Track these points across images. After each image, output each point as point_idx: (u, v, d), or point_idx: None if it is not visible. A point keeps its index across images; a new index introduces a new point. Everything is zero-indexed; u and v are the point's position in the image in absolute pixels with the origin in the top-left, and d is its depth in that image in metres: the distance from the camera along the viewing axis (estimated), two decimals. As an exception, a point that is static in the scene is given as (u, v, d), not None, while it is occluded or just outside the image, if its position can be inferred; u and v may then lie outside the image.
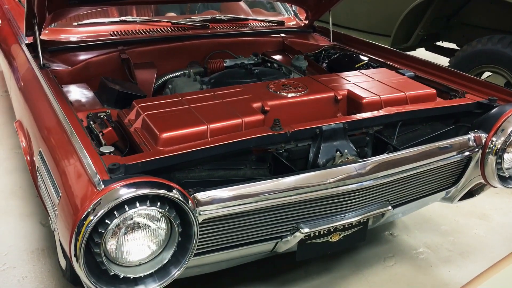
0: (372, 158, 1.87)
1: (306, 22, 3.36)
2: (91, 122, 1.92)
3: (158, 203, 1.46)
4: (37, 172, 1.89)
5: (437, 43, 4.80)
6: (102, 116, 1.98)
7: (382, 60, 2.81)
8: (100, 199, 1.39)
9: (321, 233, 1.89)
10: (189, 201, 1.51)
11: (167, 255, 1.57)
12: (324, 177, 1.76)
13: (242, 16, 3.23)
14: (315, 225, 1.84)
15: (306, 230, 1.82)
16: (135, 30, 2.81)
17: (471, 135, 2.09)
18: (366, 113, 2.07)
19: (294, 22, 3.41)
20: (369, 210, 1.94)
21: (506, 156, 2.11)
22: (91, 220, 1.37)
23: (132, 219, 1.48)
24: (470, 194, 2.39)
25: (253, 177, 1.82)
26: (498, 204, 3.16)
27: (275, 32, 3.21)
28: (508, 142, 2.07)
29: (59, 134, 1.75)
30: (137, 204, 1.43)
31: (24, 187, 3.17)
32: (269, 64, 2.83)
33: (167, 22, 2.94)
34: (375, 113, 2.05)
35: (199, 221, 1.56)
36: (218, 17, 3.08)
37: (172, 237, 1.56)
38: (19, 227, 2.76)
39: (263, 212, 1.72)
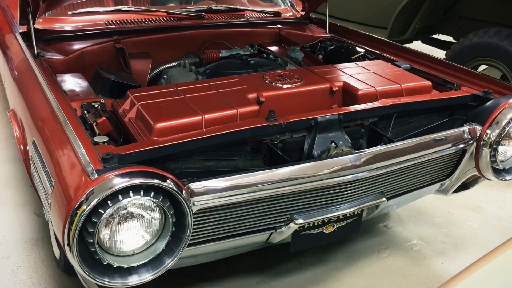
0: (367, 149, 1.87)
1: (303, 13, 3.34)
2: (85, 112, 1.91)
3: (152, 193, 1.46)
4: (31, 162, 1.88)
5: (434, 36, 4.79)
6: (96, 105, 1.97)
7: (378, 52, 2.81)
8: (93, 189, 1.38)
9: (315, 224, 1.90)
10: (183, 191, 1.51)
11: (161, 245, 1.56)
12: (319, 168, 1.76)
13: (238, 7, 3.21)
14: (310, 216, 1.85)
15: (300, 221, 1.82)
16: (130, 19, 2.79)
17: (466, 128, 2.09)
18: (362, 104, 2.06)
19: (291, 13, 3.39)
20: (364, 201, 1.95)
21: (500, 148, 2.12)
22: (84, 210, 1.37)
23: (125, 208, 1.48)
24: (464, 186, 2.39)
25: (247, 168, 1.82)
26: (492, 197, 3.18)
27: (271, 23, 3.19)
28: (502, 135, 2.07)
29: (52, 124, 1.73)
30: (131, 194, 1.43)
31: (18, 177, 3.16)
32: (265, 55, 2.81)
33: (162, 12, 2.91)
34: (370, 105, 2.05)
35: (193, 211, 1.56)
36: (214, 7, 3.06)
37: (166, 227, 1.56)
38: (14, 217, 2.76)
39: (258, 203, 1.72)
